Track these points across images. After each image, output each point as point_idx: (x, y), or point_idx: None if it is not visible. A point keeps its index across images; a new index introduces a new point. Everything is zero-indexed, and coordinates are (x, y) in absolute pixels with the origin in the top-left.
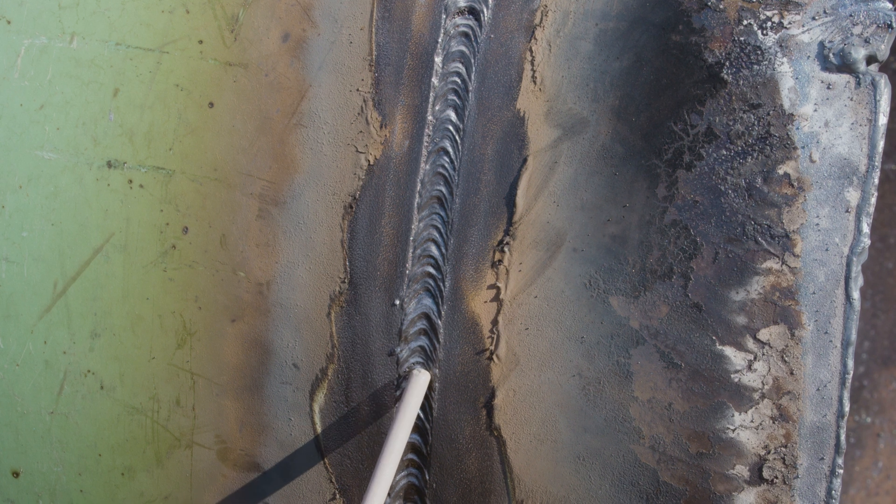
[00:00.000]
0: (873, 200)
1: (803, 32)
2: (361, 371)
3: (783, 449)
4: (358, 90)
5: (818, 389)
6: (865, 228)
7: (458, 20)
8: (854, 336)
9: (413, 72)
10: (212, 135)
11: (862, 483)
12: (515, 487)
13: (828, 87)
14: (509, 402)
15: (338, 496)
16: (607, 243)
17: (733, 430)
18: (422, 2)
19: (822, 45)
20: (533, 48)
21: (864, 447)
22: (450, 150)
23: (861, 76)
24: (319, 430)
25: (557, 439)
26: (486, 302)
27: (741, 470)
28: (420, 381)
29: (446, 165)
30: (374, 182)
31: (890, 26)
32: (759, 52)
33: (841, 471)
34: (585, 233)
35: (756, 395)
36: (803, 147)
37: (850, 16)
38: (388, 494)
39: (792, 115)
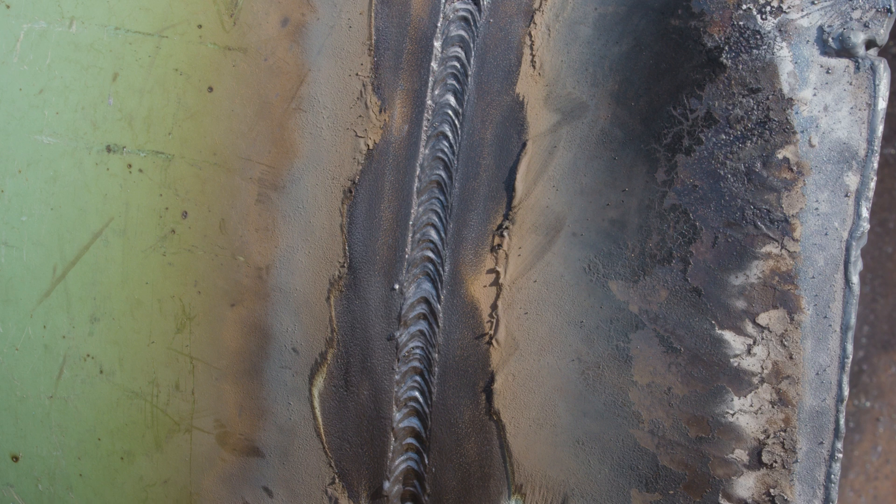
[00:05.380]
0: (872, 185)
1: (802, 17)
2: (361, 355)
3: (782, 433)
4: (357, 74)
5: (817, 374)
6: (865, 213)
7: (458, 4)
8: (853, 320)
9: (412, 56)
10: (211, 119)
11: (861, 467)
12: (515, 471)
13: (827, 72)
14: (508, 386)
15: (337, 480)
16: (607, 228)
17: (732, 415)
18: None
19: (821, 29)
20: (532, 32)
21: (864, 431)
22: (449, 134)
23: (860, 60)
24: (319, 414)
25: (557, 423)
26: (485, 286)
27: (740, 454)
28: None
29: (445, 150)
30: (374, 166)
31: (889, 10)
32: (758, 37)
33: (840, 455)
34: (585, 217)
35: (755, 380)
36: (802, 131)
37: (850, 0)
38: (388, 478)
39: (791, 99)
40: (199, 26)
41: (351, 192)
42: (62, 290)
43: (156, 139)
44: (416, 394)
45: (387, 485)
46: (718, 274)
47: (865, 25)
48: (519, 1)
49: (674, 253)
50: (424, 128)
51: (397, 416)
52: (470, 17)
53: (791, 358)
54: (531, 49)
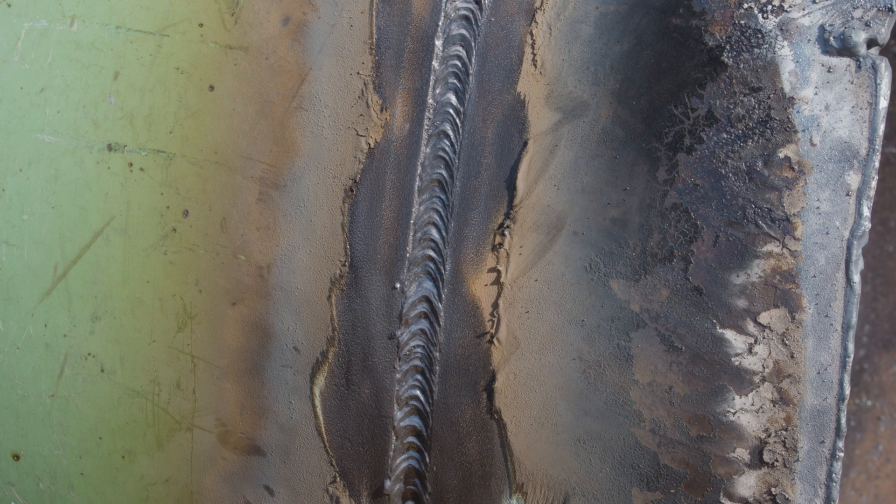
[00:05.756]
0: (874, 184)
1: (804, 16)
2: (362, 354)
3: (784, 432)
4: (358, 73)
5: (819, 373)
6: (866, 212)
7: (459, 3)
8: (855, 319)
9: (413, 55)
10: (212, 118)
11: (862, 466)
12: (516, 470)
13: (828, 71)
14: (510, 385)
15: (338, 479)
16: (608, 227)
17: (734, 414)
18: None
19: (822, 28)
20: (533, 31)
21: (865, 430)
22: (450, 133)
23: (861, 59)
24: (320, 412)
25: (558, 422)
26: (486, 285)
27: (742, 453)
28: None
29: (447, 149)
30: (375, 165)
31: (890, 10)
32: (759, 36)
33: (841, 454)
34: (586, 216)
35: (756, 379)
36: (804, 130)
37: None
38: (389, 477)
39: (792, 98)
40: (201, 25)
41: (352, 190)
42: (63, 289)
43: (157, 138)
44: (418, 392)
45: (388, 483)
46: (720, 273)
47: (867, 24)
48: (520, 0)
49: (675, 252)
50: (426, 126)
51: (398, 414)
52: (471, 15)
53: (792, 357)
54: (532, 48)
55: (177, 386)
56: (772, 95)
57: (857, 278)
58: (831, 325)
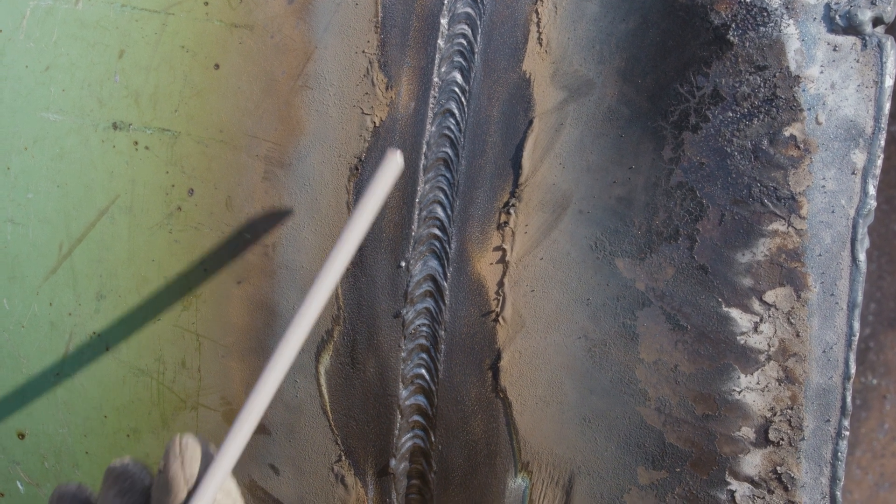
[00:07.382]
0: (879, 162)
1: None
2: (367, 333)
3: (789, 411)
4: (364, 52)
5: (824, 351)
6: (872, 190)
7: None
8: (860, 298)
9: (419, 33)
10: (217, 96)
11: (868, 445)
12: (521, 449)
13: (834, 49)
14: (515, 363)
15: (343, 457)
16: (613, 205)
17: (739, 392)
18: None
19: (828, 6)
20: (539, 10)
21: (870, 409)
22: (455, 111)
23: (867, 38)
24: (325, 391)
25: (563, 401)
26: (491, 264)
27: (747, 432)
28: (391, 165)
29: (452, 127)
30: (380, 144)
31: None
32: (765, 14)
33: (847, 433)
34: (591, 195)
35: (762, 357)
36: (809, 109)
37: None
38: (394, 456)
39: (798, 76)
40: (206, 3)
41: (357, 169)
42: (68, 268)
43: (162, 116)
44: (423, 371)
45: (393, 462)
46: (725, 251)
47: (872, 3)
48: None
49: (680, 230)
50: (431, 105)
51: (403, 393)
52: None
53: (798, 335)
54: (538, 26)
55: (182, 364)
56: (777, 74)
57: (862, 257)
58: (837, 303)
